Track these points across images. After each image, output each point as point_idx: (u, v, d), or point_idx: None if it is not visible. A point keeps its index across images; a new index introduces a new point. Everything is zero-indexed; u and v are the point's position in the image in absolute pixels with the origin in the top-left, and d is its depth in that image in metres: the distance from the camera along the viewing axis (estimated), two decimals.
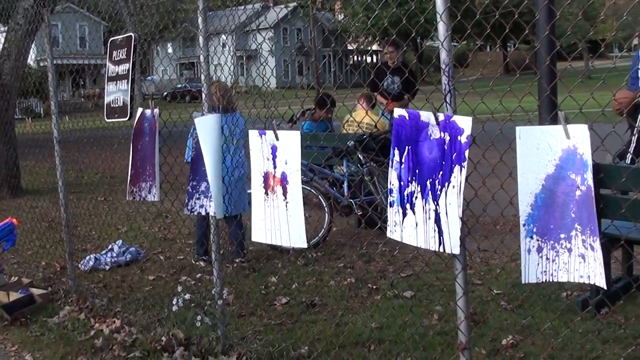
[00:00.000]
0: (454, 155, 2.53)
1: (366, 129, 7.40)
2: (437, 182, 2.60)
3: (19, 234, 5.92)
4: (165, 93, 32.82)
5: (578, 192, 2.32)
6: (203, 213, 3.99)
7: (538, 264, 2.44)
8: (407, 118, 2.70)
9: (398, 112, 2.75)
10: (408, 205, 2.72)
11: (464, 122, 2.50)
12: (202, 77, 3.82)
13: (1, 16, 8.32)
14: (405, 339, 4.00)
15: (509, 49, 59.04)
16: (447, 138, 2.55)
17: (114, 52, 4.47)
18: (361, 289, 5.12)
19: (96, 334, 4.41)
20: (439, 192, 2.59)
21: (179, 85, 40.61)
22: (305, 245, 3.28)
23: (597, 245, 2.30)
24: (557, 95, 4.46)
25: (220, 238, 4.05)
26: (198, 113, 3.97)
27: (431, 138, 2.61)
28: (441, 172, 2.58)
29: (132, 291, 5.35)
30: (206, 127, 3.70)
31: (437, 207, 2.60)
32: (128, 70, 4.34)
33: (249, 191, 5.98)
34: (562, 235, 2.38)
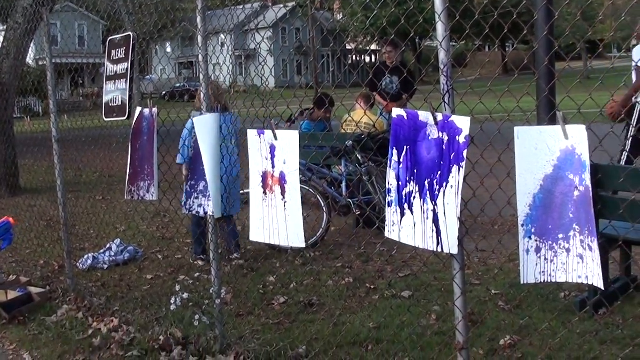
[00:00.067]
0: (452, 155, 2.53)
1: (364, 129, 7.40)
2: (435, 182, 2.60)
3: (17, 232, 5.92)
4: (164, 92, 32.84)
5: (576, 193, 2.32)
6: (202, 213, 3.99)
7: (536, 264, 2.44)
8: (406, 118, 2.70)
9: (396, 112, 2.75)
10: (406, 205, 2.72)
11: (463, 122, 2.50)
12: (201, 77, 3.82)
13: (0, 15, 8.31)
14: (403, 339, 4.00)
15: (507, 49, 59.04)
16: (446, 138, 2.55)
17: (113, 51, 4.46)
18: (359, 288, 5.12)
19: (94, 333, 4.41)
20: (437, 192, 2.59)
21: (178, 85, 40.64)
22: (303, 245, 3.29)
23: (595, 245, 2.30)
24: (555, 96, 4.45)
25: (218, 237, 4.04)
26: (197, 112, 3.97)
27: (429, 138, 2.61)
28: (439, 172, 2.58)
29: (130, 290, 5.35)
30: (205, 127, 3.70)
31: (436, 207, 2.60)
32: (127, 69, 4.33)
33: (241, 192, 6.03)
34: (561, 236, 2.38)
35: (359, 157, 6.67)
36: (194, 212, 4.11)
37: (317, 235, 6.38)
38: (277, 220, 3.32)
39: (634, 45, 6.79)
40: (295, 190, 3.23)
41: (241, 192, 6.46)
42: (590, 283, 2.34)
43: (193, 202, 3.99)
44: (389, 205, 2.79)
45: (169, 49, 50.03)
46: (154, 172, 4.17)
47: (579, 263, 2.36)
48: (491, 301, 4.61)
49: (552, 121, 2.41)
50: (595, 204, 2.34)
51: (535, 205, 2.41)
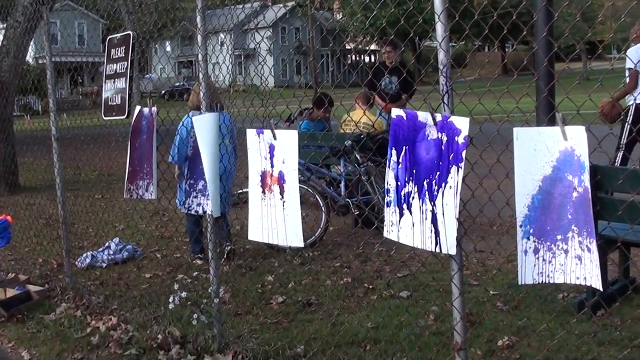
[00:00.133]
0: (451, 156, 2.53)
1: (363, 129, 7.40)
2: (434, 182, 2.60)
3: (16, 230, 5.91)
4: (163, 91, 32.83)
5: (575, 194, 2.32)
6: (200, 212, 3.99)
7: (534, 265, 2.44)
8: (405, 118, 2.70)
9: (396, 112, 2.75)
10: (405, 205, 2.72)
11: (462, 123, 2.50)
12: (200, 76, 3.82)
13: (0, 13, 8.30)
14: (401, 339, 4.00)
15: (507, 50, 59.06)
16: (445, 138, 2.55)
17: (112, 50, 4.47)
18: (357, 288, 5.12)
19: (92, 331, 4.41)
20: (435, 193, 2.59)
21: (177, 84, 40.63)
22: (301, 245, 3.28)
23: (594, 247, 2.30)
24: (554, 97, 4.45)
25: (216, 236, 4.04)
26: (197, 112, 3.97)
27: (428, 138, 2.61)
28: (438, 173, 2.58)
29: (128, 289, 5.35)
30: (204, 126, 3.69)
31: (434, 207, 2.60)
32: (126, 68, 4.33)
33: (240, 191, 6.02)
34: (559, 237, 2.38)
35: (358, 157, 6.67)
36: (192, 212, 4.11)
37: (316, 234, 6.38)
38: (276, 219, 3.32)
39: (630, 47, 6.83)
40: (294, 190, 3.23)
41: (240, 191, 6.45)
42: (588, 284, 2.34)
43: (192, 201, 3.99)
44: (387, 205, 2.79)
45: (168, 48, 50.01)
46: (153, 170, 4.17)
47: (577, 264, 2.36)
48: (489, 302, 4.61)
49: (551, 122, 2.41)
50: (594, 205, 2.34)
51: (534, 206, 2.41)
